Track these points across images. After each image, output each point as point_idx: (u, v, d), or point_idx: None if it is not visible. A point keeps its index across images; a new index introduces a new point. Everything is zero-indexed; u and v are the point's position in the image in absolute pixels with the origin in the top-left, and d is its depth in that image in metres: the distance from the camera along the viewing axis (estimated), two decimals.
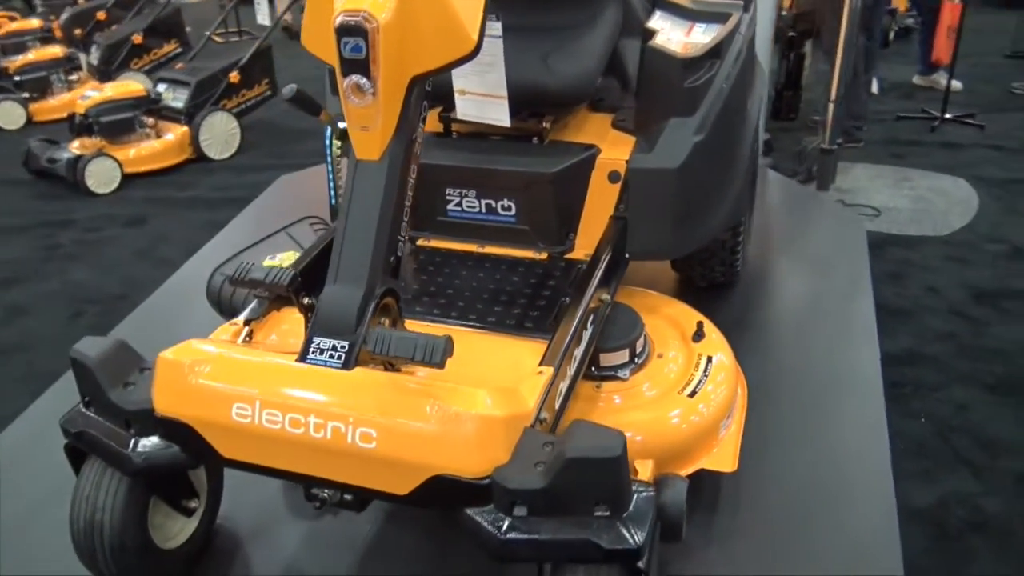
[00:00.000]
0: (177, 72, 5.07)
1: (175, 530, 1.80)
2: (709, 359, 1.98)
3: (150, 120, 4.70)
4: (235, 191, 4.37)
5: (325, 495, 1.55)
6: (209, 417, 1.51)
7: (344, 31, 1.46)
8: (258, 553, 1.92)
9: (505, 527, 1.37)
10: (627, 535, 1.34)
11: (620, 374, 1.96)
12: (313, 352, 1.50)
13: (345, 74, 1.50)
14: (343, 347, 1.49)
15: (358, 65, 1.48)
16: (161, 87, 4.91)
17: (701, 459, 1.88)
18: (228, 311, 2.40)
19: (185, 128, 4.79)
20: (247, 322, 1.78)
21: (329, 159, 2.33)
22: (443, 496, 1.41)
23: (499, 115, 1.99)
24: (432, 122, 2.30)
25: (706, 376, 1.95)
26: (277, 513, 1.99)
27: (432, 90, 2.06)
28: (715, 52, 2.07)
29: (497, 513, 1.39)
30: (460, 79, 2.00)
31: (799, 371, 2.34)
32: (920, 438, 2.32)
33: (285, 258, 2.51)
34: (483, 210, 2.17)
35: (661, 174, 2.03)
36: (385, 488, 1.46)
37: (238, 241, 3.24)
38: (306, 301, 1.65)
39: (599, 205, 2.11)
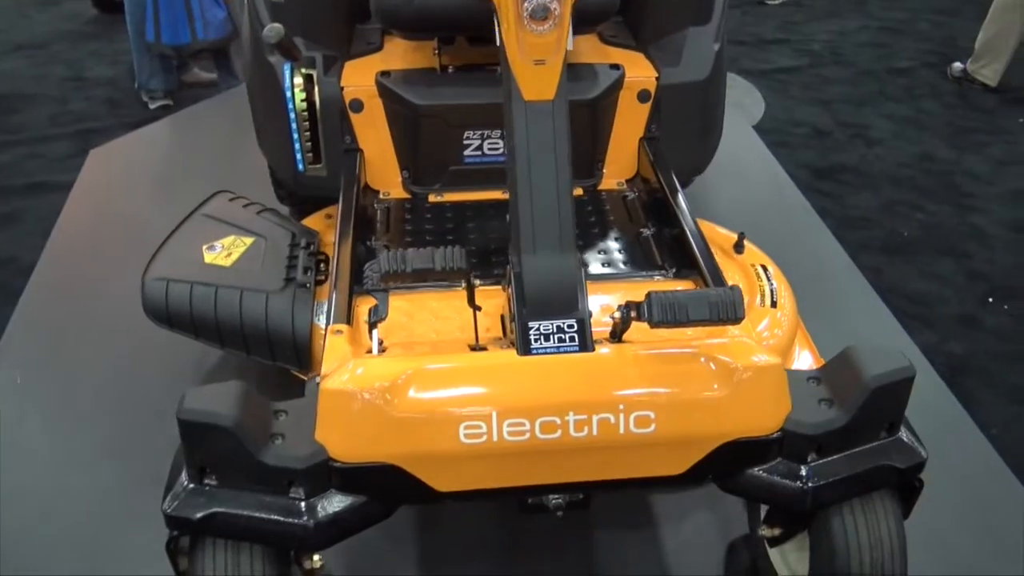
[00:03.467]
0: None
1: None
2: (764, 267, 2.00)
3: None
4: None
5: (559, 500, 1.33)
6: (425, 448, 1.20)
7: None
8: None
9: (806, 475, 1.28)
10: (917, 449, 1.33)
11: None
12: (536, 339, 1.26)
13: None
14: (572, 327, 1.27)
15: None
16: None
17: (792, 365, 1.91)
18: (183, 322, 1.90)
19: None
20: (373, 324, 1.41)
21: (292, 110, 1.89)
22: (727, 463, 1.28)
23: None
24: (421, 58, 1.97)
25: (771, 284, 1.96)
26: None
27: (418, 22, 1.78)
28: None
29: (790, 464, 1.29)
30: None
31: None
32: None
33: (228, 244, 2.04)
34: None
35: (694, 87, 1.96)
36: (658, 472, 1.29)
37: (87, 239, 2.58)
38: (477, 283, 1.36)
39: (628, 128, 1.98)
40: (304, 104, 1.88)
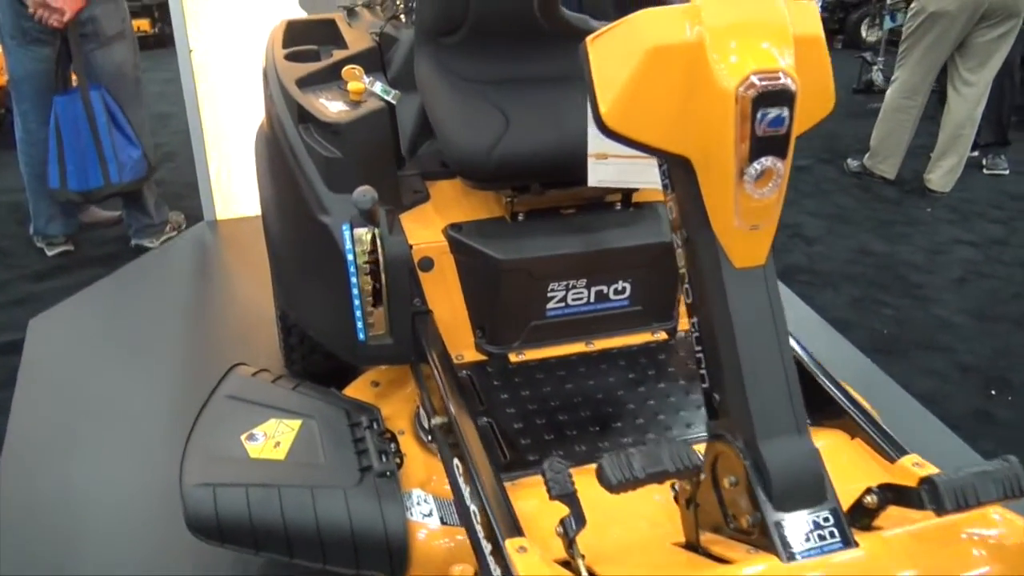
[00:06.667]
0: None
1: None
2: None
3: None
4: None
5: None
6: None
7: (767, 99, 1.07)
8: None
9: None
10: None
11: None
12: (794, 540, 1.09)
13: (754, 156, 1.10)
14: (828, 520, 1.12)
15: (776, 143, 1.10)
16: None
17: None
18: (240, 535, 1.59)
19: None
20: (572, 539, 1.18)
21: (355, 274, 1.66)
22: None
23: (651, 177, 1.62)
24: (480, 205, 1.81)
25: None
26: None
27: (500, 172, 1.68)
28: None
29: None
30: (600, 140, 1.59)
31: None
32: None
33: (272, 431, 1.75)
34: (592, 300, 1.79)
35: None
36: None
37: (51, 427, 2.17)
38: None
39: None
40: (367, 267, 1.66)
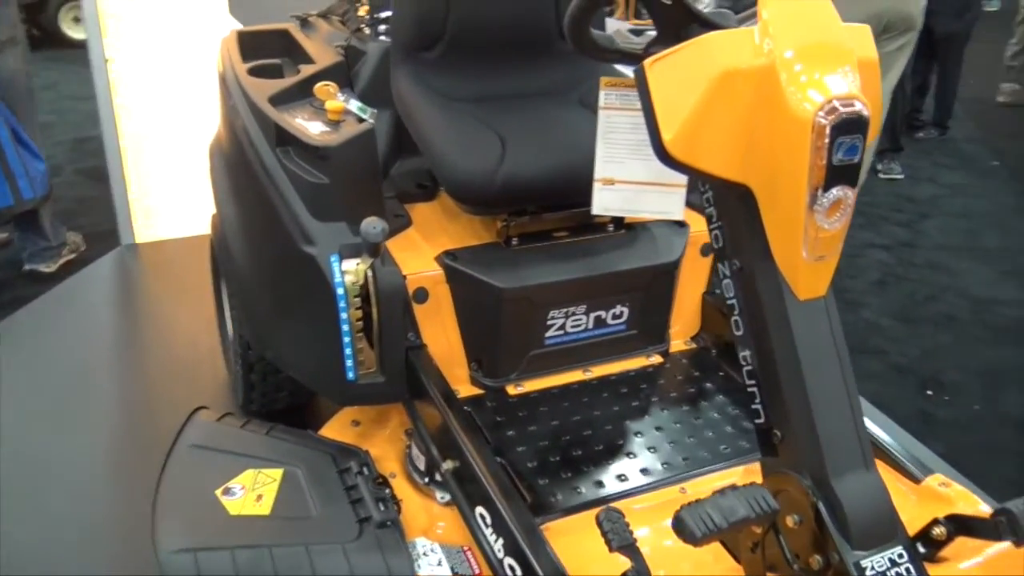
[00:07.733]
0: None
1: None
2: None
3: None
4: None
5: None
6: None
7: (844, 128, 1.02)
8: None
9: None
10: None
11: None
12: None
13: (828, 186, 1.06)
14: (902, 556, 1.09)
15: (849, 172, 1.06)
16: None
17: None
18: None
19: None
20: None
21: (345, 310, 1.52)
22: None
23: (668, 207, 1.56)
24: (468, 229, 1.71)
25: None
26: None
27: (503, 197, 1.62)
28: None
29: None
30: (609, 165, 1.52)
31: None
32: None
33: (250, 483, 1.60)
34: (591, 326, 1.72)
35: None
36: None
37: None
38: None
39: (692, 284, 1.85)
40: (358, 301, 1.53)
